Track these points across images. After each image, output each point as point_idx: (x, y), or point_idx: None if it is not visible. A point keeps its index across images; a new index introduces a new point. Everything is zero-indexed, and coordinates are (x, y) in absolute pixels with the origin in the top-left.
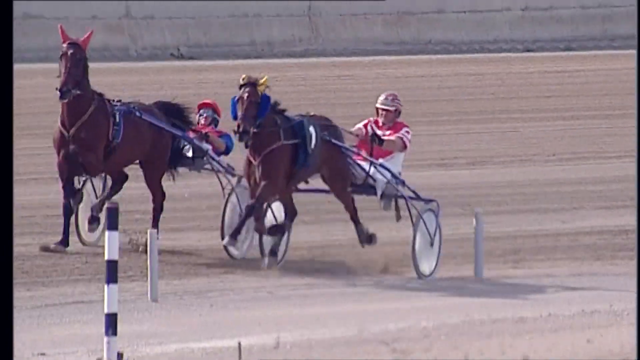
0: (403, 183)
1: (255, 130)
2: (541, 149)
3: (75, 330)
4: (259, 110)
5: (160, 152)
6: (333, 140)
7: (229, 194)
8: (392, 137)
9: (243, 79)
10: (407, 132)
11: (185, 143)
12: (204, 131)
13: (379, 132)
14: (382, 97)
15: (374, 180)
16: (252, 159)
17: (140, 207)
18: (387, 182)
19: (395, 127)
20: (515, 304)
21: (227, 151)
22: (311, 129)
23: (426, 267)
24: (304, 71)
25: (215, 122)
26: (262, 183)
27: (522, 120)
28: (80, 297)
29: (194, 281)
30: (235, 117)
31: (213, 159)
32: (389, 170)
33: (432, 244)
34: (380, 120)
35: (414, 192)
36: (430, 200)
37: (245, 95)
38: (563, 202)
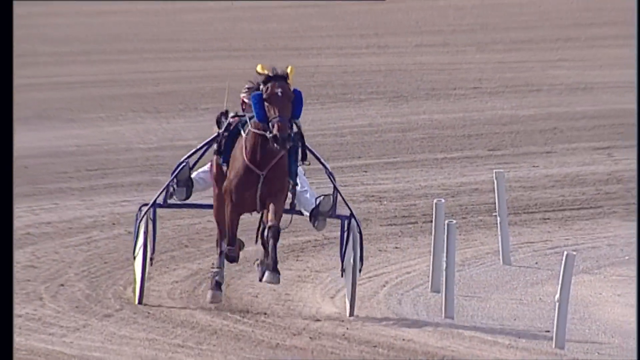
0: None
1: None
2: None
3: None
4: (294, 109)
5: None
6: (310, 147)
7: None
8: None
9: (266, 71)
10: None
11: None
12: None
13: None
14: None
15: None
16: (255, 167)
17: None
18: (326, 194)
19: None
20: None
21: None
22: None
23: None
24: None
25: None
26: (277, 199)
27: None
28: None
29: None
30: (262, 119)
31: None
32: (332, 177)
33: (360, 271)
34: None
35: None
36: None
37: (279, 91)
38: None
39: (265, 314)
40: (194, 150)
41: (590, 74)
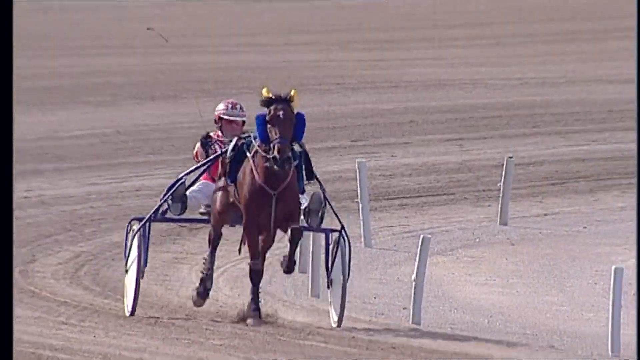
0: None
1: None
2: None
3: None
4: (296, 131)
5: None
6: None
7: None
8: None
9: (270, 94)
10: None
11: None
12: None
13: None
14: (224, 106)
15: None
16: (267, 187)
17: None
18: (315, 191)
19: None
20: None
21: None
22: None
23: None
24: None
25: None
26: (292, 220)
27: None
28: None
29: None
30: (264, 140)
31: None
32: (323, 188)
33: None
34: (227, 134)
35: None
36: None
37: (281, 114)
38: None
39: (145, 293)
40: (192, 168)
41: (443, 72)
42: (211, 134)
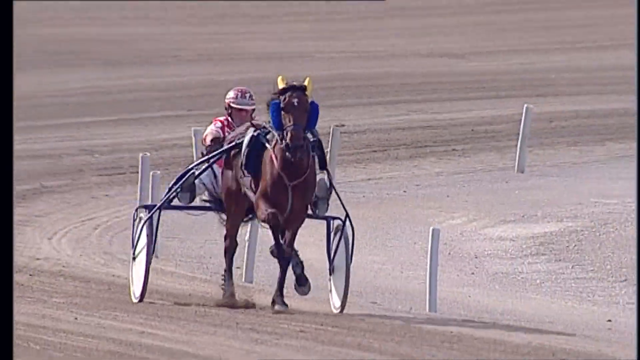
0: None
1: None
2: None
3: None
4: (309, 119)
5: None
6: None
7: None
8: None
9: (285, 82)
10: None
11: None
12: None
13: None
14: (234, 94)
15: None
16: (286, 176)
17: None
18: (320, 178)
19: None
20: None
21: None
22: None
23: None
24: None
25: None
26: (301, 217)
27: None
28: None
29: None
30: (278, 127)
31: None
32: (329, 175)
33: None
34: (237, 122)
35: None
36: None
37: (295, 101)
38: None
39: None
40: (203, 159)
41: (274, 45)
42: (221, 118)
